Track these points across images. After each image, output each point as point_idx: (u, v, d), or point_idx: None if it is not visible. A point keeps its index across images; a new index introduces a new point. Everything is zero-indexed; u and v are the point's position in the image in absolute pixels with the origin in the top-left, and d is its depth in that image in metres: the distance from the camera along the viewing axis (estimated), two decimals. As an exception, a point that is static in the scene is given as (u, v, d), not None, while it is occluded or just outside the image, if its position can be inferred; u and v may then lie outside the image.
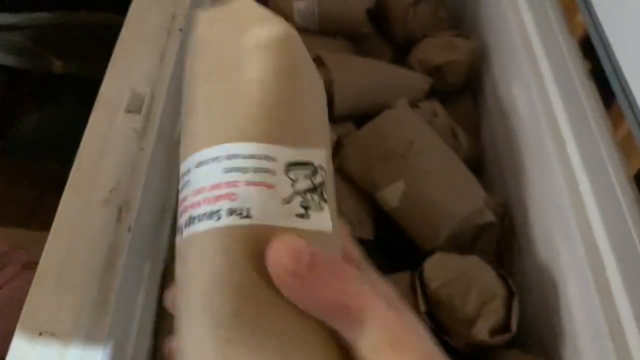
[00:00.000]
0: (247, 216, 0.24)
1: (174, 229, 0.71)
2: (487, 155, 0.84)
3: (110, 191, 0.55)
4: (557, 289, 0.60)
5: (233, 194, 0.25)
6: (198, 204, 0.27)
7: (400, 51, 0.92)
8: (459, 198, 0.66)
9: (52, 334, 0.46)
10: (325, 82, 0.76)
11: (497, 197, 0.73)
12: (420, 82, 0.80)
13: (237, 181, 0.25)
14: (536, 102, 0.68)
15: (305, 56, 0.31)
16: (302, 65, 0.30)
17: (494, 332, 0.60)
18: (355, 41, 0.91)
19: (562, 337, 0.59)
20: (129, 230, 0.55)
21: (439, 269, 0.61)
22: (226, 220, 0.24)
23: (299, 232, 0.24)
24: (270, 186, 0.25)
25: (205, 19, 0.31)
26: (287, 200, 0.25)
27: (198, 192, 0.27)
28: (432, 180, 0.66)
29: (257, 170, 0.25)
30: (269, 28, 0.29)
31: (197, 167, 0.28)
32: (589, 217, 0.58)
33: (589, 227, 0.57)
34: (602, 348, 0.52)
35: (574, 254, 0.58)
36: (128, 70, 0.65)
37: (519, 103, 0.74)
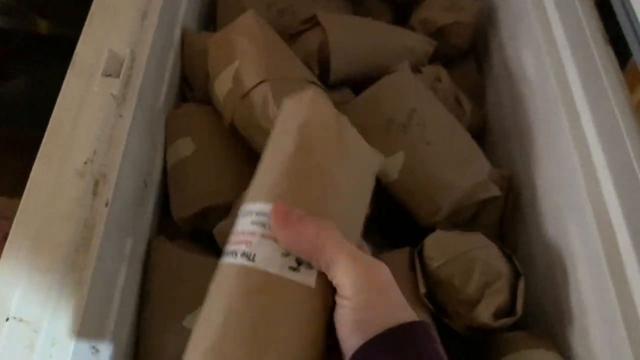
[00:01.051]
0: (252, 260, 0.32)
1: (158, 203, 0.67)
2: (492, 124, 0.79)
3: (86, 162, 0.51)
4: (566, 268, 0.57)
5: (250, 242, 0.33)
6: (230, 242, 0.35)
7: (401, 12, 0.87)
8: (462, 170, 0.61)
9: (21, 320, 0.43)
10: (320, 43, 0.71)
11: (501, 169, 0.69)
12: (423, 44, 0.75)
13: (255, 232, 0.33)
14: (547, 68, 0.63)
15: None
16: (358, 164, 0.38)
17: (497, 314, 0.57)
18: (353, 1, 0.85)
19: (570, 319, 0.56)
20: (107, 204, 0.50)
21: (440, 247, 0.57)
22: (239, 260, 0.33)
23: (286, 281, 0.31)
24: (277, 241, 0.32)
25: (312, 98, 0.38)
26: (286, 255, 0.32)
27: (234, 233, 0.35)
28: (434, 152, 0.61)
29: None
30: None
31: (241, 214, 0.35)
32: (602, 192, 0.54)
33: (603, 203, 0.53)
34: (614, 334, 0.49)
35: (585, 231, 0.54)
36: (106, 30, 0.60)
37: (529, 68, 0.69)
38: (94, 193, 0.50)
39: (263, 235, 0.32)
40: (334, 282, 0.31)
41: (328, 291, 0.32)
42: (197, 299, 0.56)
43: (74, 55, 0.57)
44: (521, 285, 0.57)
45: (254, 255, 0.32)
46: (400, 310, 0.30)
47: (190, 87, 0.74)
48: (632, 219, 0.51)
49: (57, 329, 0.43)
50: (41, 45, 1.26)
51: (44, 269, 0.44)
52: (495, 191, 0.62)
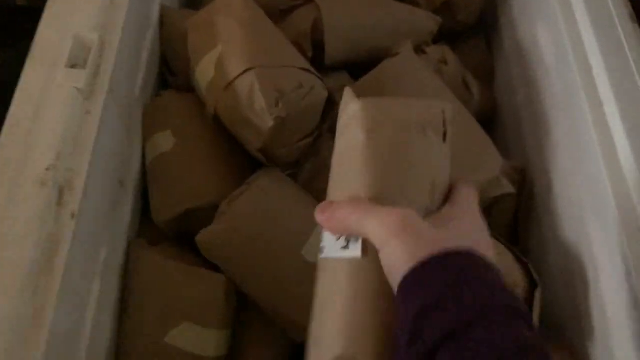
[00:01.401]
0: (322, 252, 0.37)
1: (138, 202, 0.61)
2: (502, 109, 0.73)
3: (48, 169, 0.44)
4: (587, 277, 0.51)
5: (324, 237, 0.38)
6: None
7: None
8: (473, 166, 0.55)
9: (-26, 356, 0.37)
10: (313, 22, 0.64)
11: (513, 160, 0.63)
12: (426, 21, 0.68)
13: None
14: (566, 49, 0.57)
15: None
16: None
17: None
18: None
19: (591, 334, 0.51)
20: (73, 216, 0.44)
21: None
22: (319, 254, 0.38)
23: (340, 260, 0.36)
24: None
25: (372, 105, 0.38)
26: (337, 238, 0.36)
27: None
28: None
29: None
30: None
31: None
32: (630, 191, 0.48)
33: (630, 203, 0.47)
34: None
35: (609, 234, 0.48)
36: (70, 12, 0.53)
37: (545, 49, 0.63)
38: (59, 204, 0.44)
39: (324, 230, 0.38)
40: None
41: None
42: (180, 313, 0.51)
43: (32, 44, 0.50)
44: (538, 296, 0.51)
45: (323, 248, 0.37)
46: (422, 247, 0.32)
47: (172, 71, 0.67)
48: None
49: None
50: (19, 17, 1.20)
51: (2, 294, 0.39)
52: (508, 188, 0.56)
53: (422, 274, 0.31)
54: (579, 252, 0.53)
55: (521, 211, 0.61)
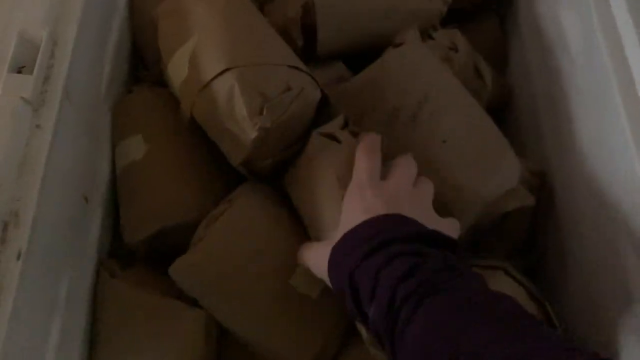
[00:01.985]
0: None
1: (107, 218, 0.54)
2: (517, 98, 0.65)
3: (-14, 200, 0.38)
4: (622, 313, 0.44)
5: None
6: None
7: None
8: (487, 175, 0.48)
9: None
10: (304, 5, 0.56)
11: (530, 159, 0.56)
12: (434, 2, 0.59)
13: None
14: (596, 33, 0.49)
15: None
16: None
17: None
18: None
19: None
20: (19, 256, 0.38)
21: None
22: None
23: None
24: None
25: None
26: None
27: None
28: (452, 153, 0.48)
29: None
30: None
31: None
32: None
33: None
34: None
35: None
36: (13, 4, 0.45)
37: (569, 33, 0.55)
38: (2, 242, 0.37)
39: None
40: None
41: None
42: (155, 353, 0.45)
43: (-31, 45, 0.42)
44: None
45: None
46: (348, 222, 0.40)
47: (145, 64, 0.59)
48: None
49: None
50: None
51: None
52: (528, 200, 0.49)
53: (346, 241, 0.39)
54: (611, 278, 0.46)
55: (539, 219, 0.54)
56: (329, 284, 0.40)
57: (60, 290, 0.44)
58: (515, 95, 0.66)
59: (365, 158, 0.43)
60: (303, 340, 0.45)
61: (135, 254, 0.52)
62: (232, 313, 0.45)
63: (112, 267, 0.50)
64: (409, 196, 0.42)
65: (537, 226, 0.55)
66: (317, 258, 0.41)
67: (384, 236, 0.37)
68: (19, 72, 0.42)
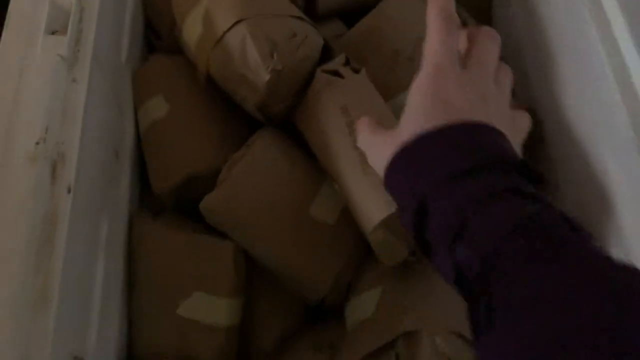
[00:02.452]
0: None
1: (135, 175, 0.59)
2: (503, 47, 0.70)
3: (37, 143, 0.42)
4: (606, 218, 0.49)
5: None
6: None
7: None
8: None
9: (-20, 344, 0.36)
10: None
11: (519, 99, 0.61)
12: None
13: None
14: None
15: None
16: None
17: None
18: None
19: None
20: (69, 190, 0.42)
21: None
22: None
23: None
24: None
25: None
26: None
27: None
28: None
29: None
30: None
31: None
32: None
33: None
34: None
35: (629, 167, 0.46)
36: (44, -24, 0.49)
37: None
38: (53, 179, 0.42)
39: None
40: None
41: None
42: (191, 285, 0.50)
43: (7, 12, 0.47)
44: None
45: None
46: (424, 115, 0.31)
47: (157, 34, 0.64)
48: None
49: (28, 343, 0.36)
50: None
51: (2, 279, 0.37)
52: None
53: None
54: (595, 191, 0.51)
55: (530, 156, 0.59)
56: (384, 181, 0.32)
57: (101, 232, 0.48)
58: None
59: (443, 30, 0.33)
60: (322, 266, 0.50)
61: (165, 205, 0.56)
62: (257, 243, 0.50)
63: (144, 215, 0.54)
64: (494, 95, 0.33)
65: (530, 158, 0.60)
66: (378, 151, 0.33)
67: (481, 157, 0.28)
68: (53, 34, 0.47)
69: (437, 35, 0.33)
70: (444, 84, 0.31)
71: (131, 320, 0.51)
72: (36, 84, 0.44)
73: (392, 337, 0.43)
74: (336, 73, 0.50)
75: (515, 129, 0.34)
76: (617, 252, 0.48)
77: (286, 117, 0.53)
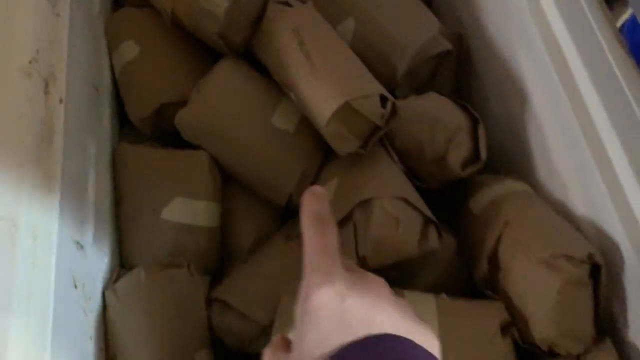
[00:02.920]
0: None
1: (113, 109, 0.65)
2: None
3: (30, 62, 0.48)
4: (523, 99, 0.58)
5: None
6: None
7: None
8: (413, 29, 0.62)
9: (-4, 217, 0.42)
10: None
11: (449, 27, 0.70)
12: None
13: None
14: None
15: None
16: None
17: (465, 164, 0.59)
18: None
19: (530, 149, 0.58)
20: (61, 101, 0.49)
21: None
22: None
23: None
24: None
25: None
26: None
27: None
28: (385, 14, 0.61)
29: None
30: None
31: None
32: (549, 20, 0.55)
33: (550, 33, 0.54)
34: (575, 152, 0.51)
35: (537, 59, 0.55)
36: None
37: None
38: (46, 92, 0.49)
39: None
40: None
41: None
42: (171, 190, 0.57)
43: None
44: (481, 132, 0.59)
45: None
46: (322, 343, 0.28)
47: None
48: (576, 36, 0.52)
49: (36, 223, 0.42)
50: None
51: (9, 166, 0.43)
52: (446, 45, 0.63)
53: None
54: (513, 81, 0.60)
55: (462, 69, 0.68)
56: None
57: (89, 148, 0.55)
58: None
59: (315, 235, 0.31)
60: (286, 168, 0.57)
61: (142, 137, 0.63)
62: (228, 151, 0.57)
63: (125, 145, 0.61)
64: (388, 295, 0.31)
65: (461, 76, 0.69)
66: None
67: None
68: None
69: (312, 240, 0.31)
70: (332, 293, 0.29)
71: (121, 235, 0.57)
72: (24, 15, 0.50)
73: (349, 209, 0.51)
74: (286, 3, 0.58)
75: (400, 306, 0.31)
76: (533, 133, 0.58)
77: (246, 47, 0.61)
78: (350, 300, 0.29)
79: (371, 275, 0.32)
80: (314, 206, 0.32)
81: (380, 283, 0.31)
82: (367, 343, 0.27)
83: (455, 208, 0.61)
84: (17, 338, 0.38)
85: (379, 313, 0.29)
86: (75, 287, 0.46)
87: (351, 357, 0.27)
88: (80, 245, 0.48)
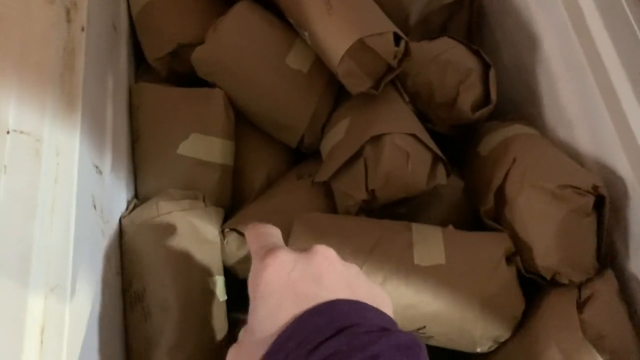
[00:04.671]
0: None
1: (130, 51, 0.66)
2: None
3: (52, -9, 0.50)
4: (534, 46, 0.59)
5: None
6: None
7: None
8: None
9: (22, 132, 0.43)
10: None
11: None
12: None
13: None
14: None
15: None
16: None
17: (475, 107, 0.60)
18: None
19: (540, 96, 0.59)
20: (83, 29, 0.50)
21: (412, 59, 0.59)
22: None
23: None
24: None
25: None
26: None
27: None
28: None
29: None
30: None
31: None
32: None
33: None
34: (586, 97, 0.52)
35: (554, 14, 0.56)
36: None
37: None
38: (68, 20, 0.50)
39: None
40: None
41: None
42: (187, 127, 0.58)
43: None
44: (492, 75, 0.59)
45: None
46: (274, 317, 0.29)
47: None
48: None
49: (59, 139, 0.44)
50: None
51: (33, 86, 0.45)
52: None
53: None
54: (525, 28, 0.61)
55: (473, 18, 0.69)
56: None
57: (108, 82, 0.56)
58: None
59: (254, 235, 0.35)
60: (298, 107, 0.58)
61: (158, 78, 0.64)
62: (242, 89, 0.58)
63: (141, 83, 0.62)
64: (336, 261, 0.33)
65: (473, 26, 0.69)
66: None
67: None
68: None
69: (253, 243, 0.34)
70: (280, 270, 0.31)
71: (137, 168, 0.59)
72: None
73: (359, 145, 0.52)
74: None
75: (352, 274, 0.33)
76: (544, 79, 0.59)
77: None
78: (297, 272, 0.30)
79: (318, 247, 0.32)
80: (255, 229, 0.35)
81: (327, 251, 0.32)
82: (318, 311, 0.29)
83: (464, 155, 0.62)
84: (40, 247, 0.40)
85: (328, 280, 0.31)
86: (95, 207, 0.48)
87: (305, 326, 0.28)
88: (99, 170, 0.50)
